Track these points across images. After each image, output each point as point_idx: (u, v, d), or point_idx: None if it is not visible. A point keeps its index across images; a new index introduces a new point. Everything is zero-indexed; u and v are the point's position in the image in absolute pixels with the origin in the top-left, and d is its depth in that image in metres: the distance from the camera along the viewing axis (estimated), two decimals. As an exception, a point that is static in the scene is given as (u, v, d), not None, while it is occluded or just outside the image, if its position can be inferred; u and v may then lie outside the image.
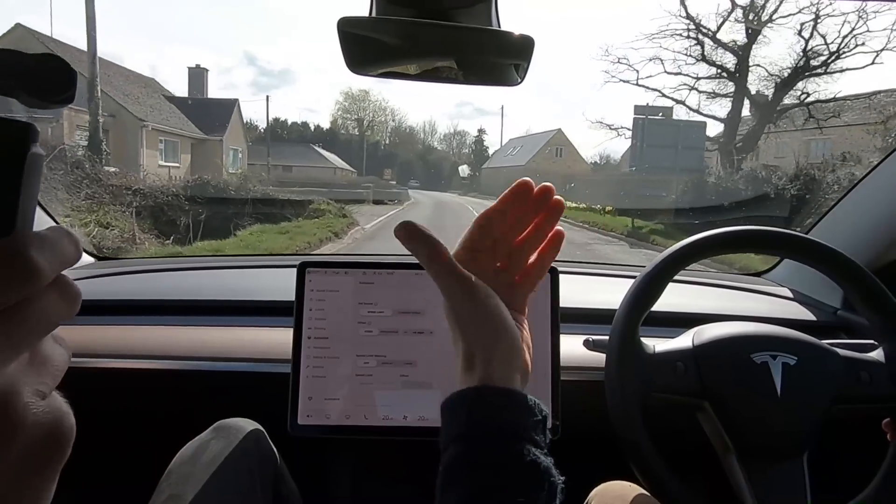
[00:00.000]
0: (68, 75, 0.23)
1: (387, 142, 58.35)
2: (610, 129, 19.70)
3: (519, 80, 0.70)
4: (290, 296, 0.78)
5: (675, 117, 15.58)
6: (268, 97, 33.42)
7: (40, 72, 0.23)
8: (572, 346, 0.81)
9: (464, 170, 53.69)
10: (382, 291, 0.79)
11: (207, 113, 21.17)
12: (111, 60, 20.46)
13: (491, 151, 53.13)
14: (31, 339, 0.22)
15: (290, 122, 54.60)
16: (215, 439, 0.73)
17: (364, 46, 0.66)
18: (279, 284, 1.06)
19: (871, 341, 0.74)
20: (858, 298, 0.71)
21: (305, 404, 0.76)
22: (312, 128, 54.59)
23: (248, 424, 0.77)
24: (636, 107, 14.56)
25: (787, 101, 16.38)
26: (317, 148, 34.52)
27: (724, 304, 1.10)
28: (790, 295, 1.16)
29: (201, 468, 0.68)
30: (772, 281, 1.25)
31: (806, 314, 1.08)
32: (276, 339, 0.92)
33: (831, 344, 0.72)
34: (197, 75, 26.01)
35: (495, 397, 0.39)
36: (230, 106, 22.87)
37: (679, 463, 0.68)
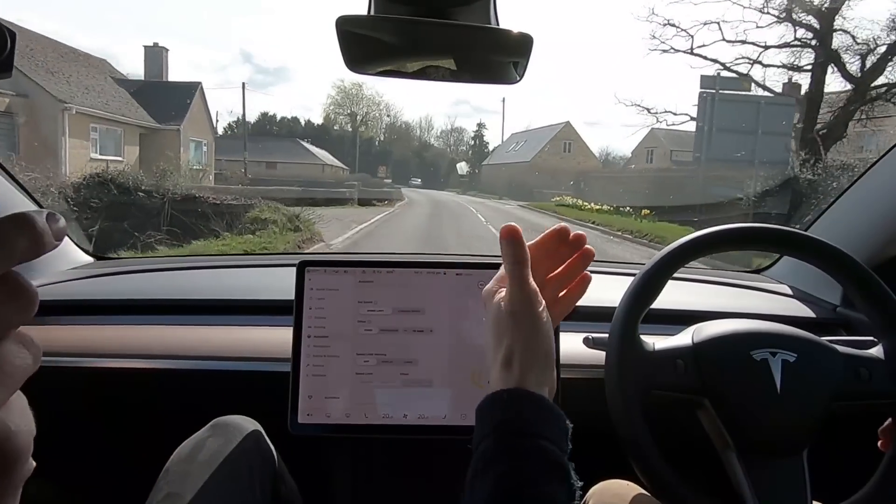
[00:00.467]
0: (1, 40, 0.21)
1: (381, 138, 55.83)
2: (650, 113, 15.88)
3: (518, 79, 0.70)
4: (290, 295, 0.78)
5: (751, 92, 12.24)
6: (244, 84, 31.19)
7: None
8: (572, 344, 0.81)
9: (462, 167, 52.00)
10: (382, 290, 0.79)
11: (164, 98, 17.42)
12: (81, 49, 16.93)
13: (491, 147, 50.78)
14: None
15: (279, 118, 52.39)
16: (213, 437, 0.73)
17: (363, 45, 0.66)
18: (278, 283, 1.06)
19: (871, 338, 0.74)
20: (858, 295, 0.71)
21: (305, 403, 0.76)
22: (303, 123, 52.43)
23: (245, 422, 0.77)
24: (703, 78, 11.28)
25: (881, 80, 12.00)
26: (304, 143, 32.17)
27: (724, 302, 1.10)
28: (790, 292, 1.16)
29: (199, 466, 0.68)
30: (771, 278, 1.25)
31: (805, 311, 1.08)
32: (275, 338, 0.92)
33: (831, 341, 0.72)
34: (154, 55, 20.31)
35: (528, 400, 0.43)
36: (190, 90, 18.83)
37: (679, 460, 0.68)
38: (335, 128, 50.87)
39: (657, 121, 16.04)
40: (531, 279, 0.49)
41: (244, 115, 29.80)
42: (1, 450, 0.20)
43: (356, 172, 36.00)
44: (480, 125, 59.99)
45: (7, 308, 0.20)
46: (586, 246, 0.53)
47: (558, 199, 19.49)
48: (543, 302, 0.48)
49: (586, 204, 16.35)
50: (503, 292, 0.50)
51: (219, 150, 22.47)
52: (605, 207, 14.93)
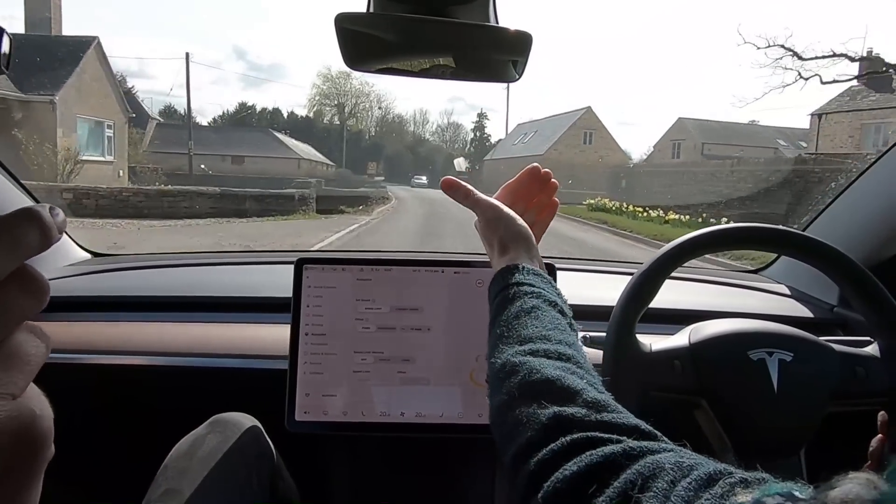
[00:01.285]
0: None
1: (372, 132, 49.86)
2: (794, 56, 11.62)
3: (517, 77, 0.70)
4: (288, 292, 0.78)
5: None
6: (187, 54, 20.67)
7: None
8: None
9: (460, 163, 45.82)
10: (380, 288, 0.79)
11: (44, 59, 12.11)
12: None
13: (494, 140, 44.53)
14: None
15: (258, 108, 46.17)
16: (211, 433, 0.73)
17: (362, 42, 0.66)
18: (276, 281, 1.06)
19: (867, 338, 0.74)
20: (854, 295, 0.71)
21: (303, 400, 0.76)
22: (286, 115, 45.36)
23: (244, 419, 0.77)
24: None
25: None
26: (279, 135, 27.71)
27: (721, 301, 1.10)
28: (787, 292, 1.17)
29: (197, 462, 0.68)
30: (768, 278, 1.26)
31: (802, 311, 1.08)
32: (273, 335, 0.92)
33: (827, 340, 0.72)
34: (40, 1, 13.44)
35: (519, 268, 0.56)
36: (77, 49, 12.99)
37: None
38: (323, 121, 45.58)
39: (799, 77, 11.93)
40: (486, 197, 0.64)
41: (188, 93, 26.25)
42: (29, 434, 0.21)
43: (342, 168, 33.92)
44: (482, 115, 51.23)
45: (22, 299, 0.20)
46: (552, 180, 0.68)
47: (594, 200, 14.69)
48: (506, 206, 0.63)
49: (639, 209, 12.26)
50: (478, 216, 0.64)
51: (162, 141, 19.74)
52: (658, 212, 11.58)
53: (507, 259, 0.58)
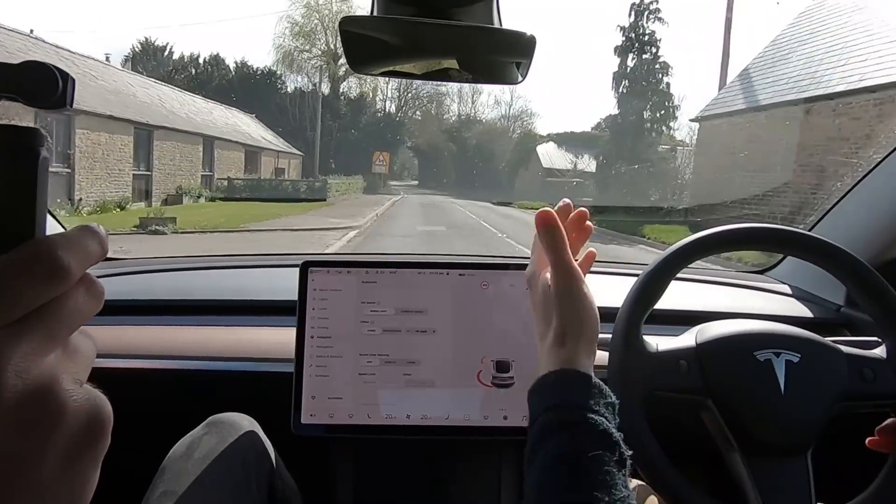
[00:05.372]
0: (52, 79, 0.24)
1: (389, 107, 31.10)
2: None
3: (521, 79, 0.70)
4: (293, 295, 0.78)
5: None
6: None
7: (28, 79, 0.24)
8: None
9: (547, 151, 24.28)
10: (385, 290, 0.79)
11: None
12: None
13: (688, 105, 25.76)
14: (65, 333, 0.23)
15: (182, 54, 29.41)
16: (208, 434, 0.73)
17: (366, 46, 0.66)
18: (282, 284, 1.06)
19: (875, 339, 0.73)
20: (861, 295, 0.71)
21: (309, 403, 0.76)
22: (233, 67, 26.90)
23: (241, 419, 0.77)
24: None
25: None
26: (193, 97, 16.69)
27: (727, 302, 1.10)
28: (793, 292, 1.16)
29: (194, 463, 0.68)
30: (775, 278, 1.25)
31: (809, 311, 1.08)
32: (279, 338, 0.93)
33: (834, 341, 0.72)
34: None
35: (577, 380, 0.47)
36: None
37: (682, 461, 0.68)
38: (298, 77, 27.74)
39: None
40: (572, 259, 0.52)
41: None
42: (96, 419, 0.23)
43: (306, 157, 22.56)
44: (663, 66, 17.36)
45: (87, 302, 0.24)
46: (587, 223, 0.57)
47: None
48: (584, 279, 0.52)
49: None
50: (547, 274, 0.53)
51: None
52: None
53: (560, 356, 0.48)
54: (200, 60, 27.78)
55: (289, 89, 27.41)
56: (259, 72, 27.05)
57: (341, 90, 28.12)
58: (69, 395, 0.22)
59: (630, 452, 0.45)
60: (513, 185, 25.24)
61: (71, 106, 0.24)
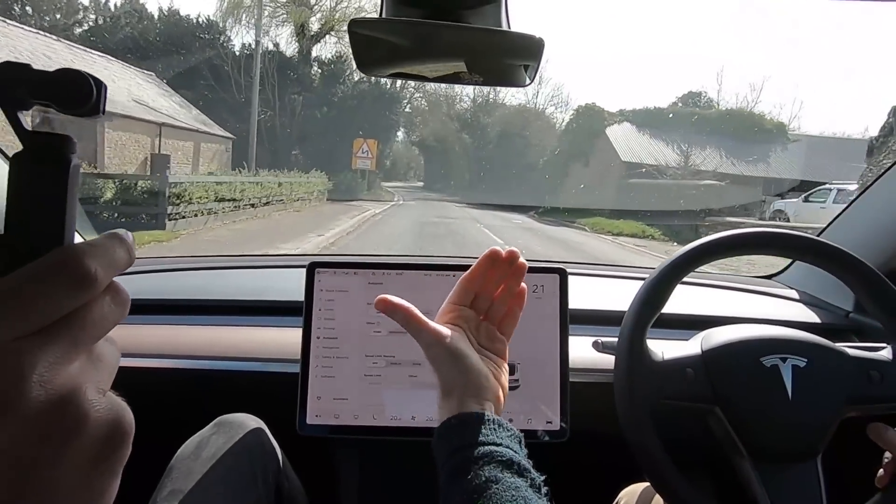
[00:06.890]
0: (87, 87, 0.23)
1: (394, 85, 21.11)
2: None
3: (528, 81, 0.70)
4: (299, 296, 0.79)
5: None
6: None
7: (63, 87, 0.23)
8: (581, 348, 0.81)
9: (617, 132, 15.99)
10: (391, 292, 0.78)
11: None
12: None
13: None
14: (90, 341, 0.23)
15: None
16: (216, 434, 0.73)
17: (374, 47, 0.66)
18: (288, 284, 1.07)
19: (883, 344, 0.73)
20: (869, 300, 0.70)
21: (314, 404, 0.76)
22: (156, 17, 19.78)
23: (249, 419, 0.77)
24: None
25: None
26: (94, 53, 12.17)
27: (734, 307, 1.09)
28: (801, 298, 1.15)
29: (202, 463, 0.69)
30: (783, 283, 1.24)
31: (817, 317, 1.07)
32: (285, 339, 0.93)
33: (841, 346, 0.71)
34: None
35: (471, 419, 0.49)
36: None
37: (690, 467, 0.67)
38: (248, 33, 20.96)
39: None
40: (431, 325, 0.54)
41: None
42: (120, 426, 0.23)
43: (238, 142, 15.43)
44: None
45: (113, 309, 0.24)
46: (520, 261, 0.56)
47: None
48: (453, 334, 0.54)
49: None
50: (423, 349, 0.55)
51: None
52: None
53: (453, 404, 0.51)
54: (111, 5, 20.74)
55: (235, 49, 19.37)
56: (193, 22, 19.20)
57: (314, 53, 19.24)
58: (92, 405, 0.22)
59: (543, 476, 0.47)
60: (562, 188, 17.16)
61: (104, 114, 0.24)
